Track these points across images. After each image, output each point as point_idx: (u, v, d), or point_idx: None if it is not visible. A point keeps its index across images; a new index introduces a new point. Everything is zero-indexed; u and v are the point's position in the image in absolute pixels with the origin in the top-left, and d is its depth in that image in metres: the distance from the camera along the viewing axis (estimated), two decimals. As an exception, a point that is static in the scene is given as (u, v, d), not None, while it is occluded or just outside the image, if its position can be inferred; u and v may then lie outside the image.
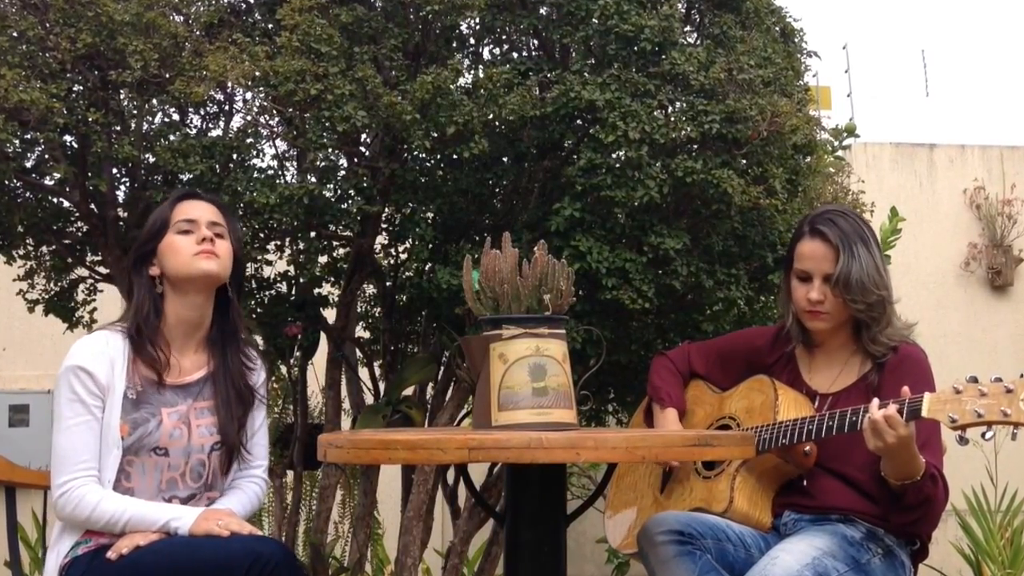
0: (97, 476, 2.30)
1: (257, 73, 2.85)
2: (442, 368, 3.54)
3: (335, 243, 3.38)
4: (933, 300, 6.32)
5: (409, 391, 3.54)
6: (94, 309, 3.40)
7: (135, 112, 2.99)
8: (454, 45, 3.23)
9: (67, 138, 3.03)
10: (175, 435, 2.37)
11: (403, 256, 3.39)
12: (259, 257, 3.16)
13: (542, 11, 3.21)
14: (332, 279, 3.47)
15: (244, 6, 3.20)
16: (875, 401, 2.30)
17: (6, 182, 3.00)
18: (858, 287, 2.50)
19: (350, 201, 3.09)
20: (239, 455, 2.45)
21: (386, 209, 3.24)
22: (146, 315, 2.39)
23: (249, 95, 3.07)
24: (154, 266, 2.42)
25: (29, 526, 4.40)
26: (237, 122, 3.19)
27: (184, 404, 2.40)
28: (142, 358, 2.37)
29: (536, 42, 3.31)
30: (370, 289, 3.69)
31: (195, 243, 2.39)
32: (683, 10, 3.26)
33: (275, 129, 3.06)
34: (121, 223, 3.16)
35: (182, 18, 3.00)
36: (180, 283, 2.40)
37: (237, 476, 2.49)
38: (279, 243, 3.27)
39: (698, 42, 3.27)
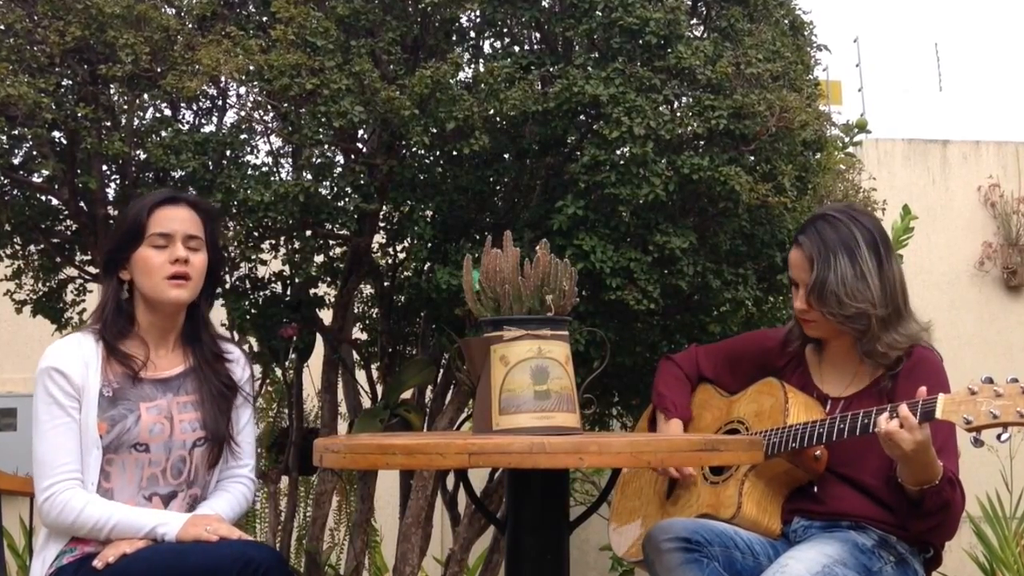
0: (81, 480, 2.28)
1: (251, 67, 2.83)
2: (441, 371, 3.52)
3: (331, 242, 3.36)
4: (946, 301, 6.27)
5: (407, 394, 3.52)
6: (83, 310, 3.37)
7: (125, 107, 2.96)
8: (454, 38, 3.20)
9: (56, 134, 3.01)
10: (155, 430, 2.35)
11: (401, 255, 3.37)
12: (253, 257, 3.14)
13: (544, 3, 3.19)
14: (328, 279, 3.45)
15: (238, -2, 3.17)
16: (884, 415, 2.27)
17: (-7, 179, 2.99)
18: (833, 299, 2.46)
19: (347, 199, 3.08)
20: (229, 448, 2.44)
21: (384, 207, 3.23)
22: (107, 318, 2.39)
23: (243, 90, 3.06)
24: (126, 271, 2.42)
25: (17, 532, 4.37)
26: (231, 118, 3.17)
27: (164, 398, 2.38)
28: (116, 358, 2.37)
29: (538, 35, 3.29)
30: (367, 289, 3.67)
31: (168, 262, 2.37)
32: (689, 2, 3.23)
33: (270, 125, 3.05)
34: (111, 221, 3.13)
35: (174, 10, 2.99)
36: (150, 301, 2.40)
37: (223, 476, 2.48)
38: (274, 242, 3.24)
39: (705, 35, 3.26)
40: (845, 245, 2.47)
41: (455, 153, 3.04)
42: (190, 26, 2.94)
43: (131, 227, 2.39)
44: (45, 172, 3.00)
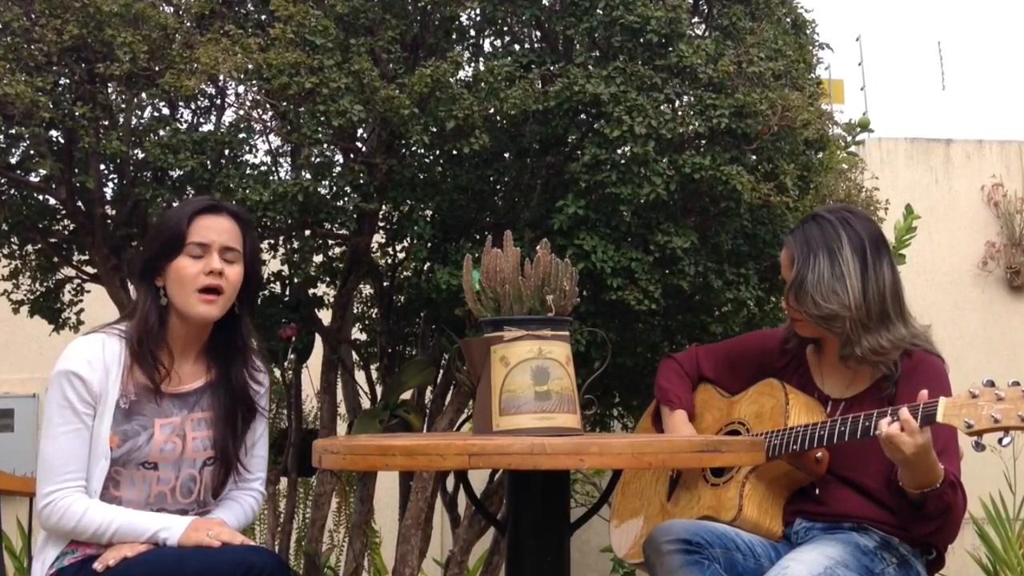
0: (84, 486, 2.26)
1: (250, 66, 2.82)
2: (441, 371, 3.51)
3: (331, 242, 3.35)
4: (949, 301, 6.27)
5: (407, 395, 3.51)
6: (81, 310, 3.37)
7: (123, 106, 2.95)
8: (454, 37, 3.19)
9: (53, 133, 2.99)
10: (166, 449, 2.32)
11: (401, 255, 3.36)
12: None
13: (545, 1, 3.17)
14: (327, 279, 3.43)
15: (236, -4, 3.16)
16: (885, 419, 2.26)
17: (-10, 178, 2.98)
18: (808, 299, 2.46)
19: (346, 198, 3.06)
20: (235, 472, 2.41)
21: (383, 207, 3.21)
22: (150, 327, 2.34)
23: (242, 88, 3.05)
24: (161, 278, 2.37)
25: (14, 534, 4.36)
26: (229, 116, 3.16)
27: (179, 415, 2.35)
28: (141, 367, 2.32)
29: (539, 34, 3.28)
30: (367, 289, 3.66)
31: (203, 273, 2.32)
32: (691, 1, 3.23)
33: (268, 124, 3.03)
34: (109, 221, 3.12)
35: (172, 8, 2.97)
36: (180, 313, 2.36)
37: (233, 487, 2.46)
38: (273, 242, 3.24)
39: (706, 34, 3.25)
40: (827, 246, 2.47)
41: (455, 152, 3.03)
42: (188, 24, 2.93)
43: (171, 236, 2.34)
44: (42, 171, 2.99)
